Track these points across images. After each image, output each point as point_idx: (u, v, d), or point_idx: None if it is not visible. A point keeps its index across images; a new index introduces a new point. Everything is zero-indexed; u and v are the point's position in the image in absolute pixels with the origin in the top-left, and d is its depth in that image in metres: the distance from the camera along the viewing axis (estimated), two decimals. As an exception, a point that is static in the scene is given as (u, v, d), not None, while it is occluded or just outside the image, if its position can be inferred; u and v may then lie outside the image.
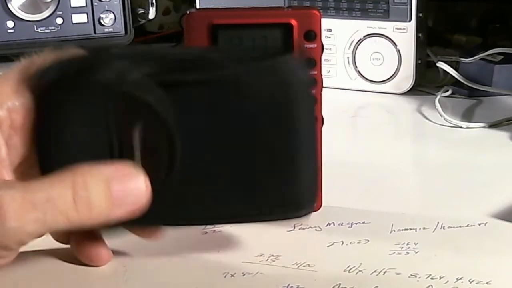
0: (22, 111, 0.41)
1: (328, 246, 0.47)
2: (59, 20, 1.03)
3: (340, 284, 0.42)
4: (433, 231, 0.48)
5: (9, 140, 0.41)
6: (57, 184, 0.38)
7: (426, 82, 0.87)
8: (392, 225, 0.49)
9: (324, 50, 0.58)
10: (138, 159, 0.41)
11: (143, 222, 0.41)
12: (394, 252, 0.45)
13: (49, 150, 0.41)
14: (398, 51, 0.84)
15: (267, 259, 0.45)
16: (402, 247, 0.46)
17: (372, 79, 0.86)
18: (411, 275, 0.42)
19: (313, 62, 0.57)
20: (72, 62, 0.41)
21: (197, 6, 0.94)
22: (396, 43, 0.83)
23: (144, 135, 0.41)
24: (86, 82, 0.40)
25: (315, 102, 0.45)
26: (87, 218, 0.39)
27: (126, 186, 0.40)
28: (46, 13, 1.01)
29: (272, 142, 0.42)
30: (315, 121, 0.44)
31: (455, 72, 0.83)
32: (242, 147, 0.42)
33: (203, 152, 0.41)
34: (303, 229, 0.49)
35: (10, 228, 0.37)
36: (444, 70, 0.85)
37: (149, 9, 1.07)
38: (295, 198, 0.43)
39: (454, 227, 0.49)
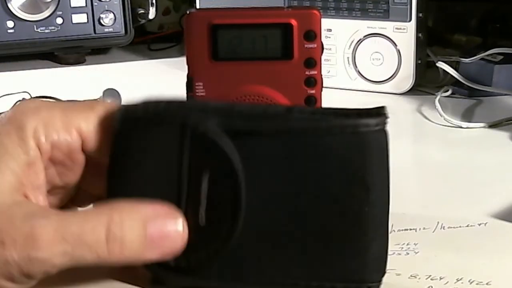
0: (65, 148, 0.41)
1: (328, 246, 0.46)
2: (59, 20, 1.02)
3: (340, 284, 0.42)
4: (433, 231, 0.48)
5: (46, 170, 0.41)
6: (92, 219, 0.38)
7: (426, 82, 0.87)
8: (392, 225, 0.48)
9: (324, 50, 0.58)
10: (203, 207, 0.40)
11: (201, 280, 0.41)
12: (394, 253, 0.45)
13: (118, 183, 0.41)
14: (398, 51, 0.84)
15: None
16: (402, 247, 0.46)
17: (372, 79, 0.86)
18: (411, 275, 0.42)
19: (313, 62, 0.57)
20: (157, 104, 0.40)
21: (197, 6, 0.94)
22: (396, 43, 0.83)
23: (212, 183, 0.40)
24: (166, 119, 0.40)
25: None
26: (117, 257, 0.38)
27: (162, 228, 0.39)
28: (46, 13, 1.01)
29: (342, 210, 0.39)
30: (389, 191, 0.41)
31: (455, 72, 0.83)
32: (309, 210, 0.40)
33: (268, 210, 0.40)
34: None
35: (37, 258, 0.37)
36: (444, 70, 0.85)
37: (149, 9, 1.07)
38: (362, 274, 0.40)
39: (454, 227, 0.49)
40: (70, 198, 0.44)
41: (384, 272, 0.41)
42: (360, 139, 0.39)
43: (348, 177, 0.39)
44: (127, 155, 0.41)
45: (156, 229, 0.39)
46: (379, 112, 0.40)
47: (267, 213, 0.40)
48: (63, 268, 0.38)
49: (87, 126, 0.41)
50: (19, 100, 0.73)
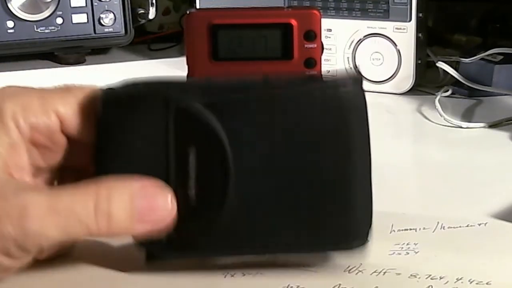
0: (44, 130, 0.41)
1: (328, 246, 0.46)
2: (59, 20, 1.02)
3: (340, 284, 0.42)
4: (433, 231, 0.48)
5: (29, 152, 0.41)
6: (81, 194, 0.39)
7: (426, 82, 0.87)
8: (392, 225, 0.49)
9: (324, 50, 0.59)
10: (192, 181, 0.40)
11: (195, 252, 0.41)
12: (394, 252, 0.45)
13: (106, 162, 0.41)
14: (398, 51, 0.84)
15: (267, 259, 0.44)
16: (402, 247, 0.46)
17: (372, 79, 0.86)
18: (411, 275, 0.42)
19: (313, 62, 0.58)
20: (136, 84, 0.41)
21: (197, 6, 0.94)
22: (396, 43, 0.83)
23: (200, 156, 0.40)
24: (148, 97, 0.41)
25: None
26: (106, 230, 0.39)
27: (150, 202, 0.40)
28: (46, 13, 1.01)
29: (327, 169, 0.41)
30: (370, 149, 0.42)
31: (455, 72, 0.83)
32: (295, 174, 0.41)
33: (257, 177, 0.41)
34: (303, 229, 0.49)
35: (31, 229, 0.38)
36: (444, 70, 0.85)
37: (149, 9, 1.07)
38: (349, 229, 0.42)
39: (454, 227, 0.49)
40: (55, 178, 0.44)
41: (370, 226, 0.42)
42: (339, 100, 0.41)
43: (329, 139, 0.41)
44: (113, 135, 0.41)
45: (144, 203, 0.39)
46: (356, 77, 0.42)
47: (255, 182, 0.41)
48: (56, 242, 0.39)
49: (65, 108, 0.42)
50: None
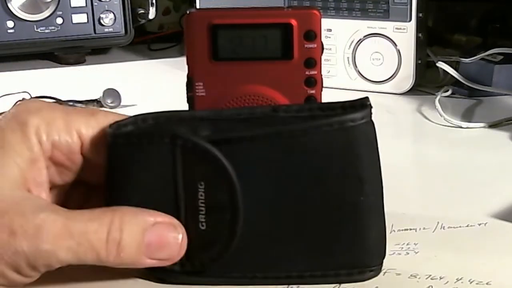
0: (64, 149, 0.41)
1: (328, 246, 0.46)
2: (59, 20, 1.03)
3: (340, 284, 0.42)
4: (433, 231, 0.48)
5: (48, 169, 0.42)
6: (96, 220, 0.39)
7: (426, 82, 0.87)
8: (392, 225, 0.49)
9: (324, 50, 0.58)
10: (203, 214, 0.41)
11: (207, 280, 0.42)
12: (394, 252, 0.45)
13: (116, 198, 0.41)
14: (398, 51, 0.84)
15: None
16: (402, 247, 0.46)
17: (372, 79, 0.86)
18: (411, 275, 0.42)
19: (313, 62, 0.57)
20: (145, 118, 0.42)
21: (197, 6, 0.94)
22: (396, 43, 0.83)
23: (208, 189, 0.40)
24: (156, 132, 0.41)
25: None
26: (114, 259, 0.39)
27: (161, 240, 0.40)
28: (46, 13, 1.01)
29: (338, 202, 0.41)
30: (381, 179, 0.42)
31: (455, 72, 0.83)
32: (305, 207, 0.41)
33: (266, 209, 0.41)
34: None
35: (44, 250, 0.38)
36: (444, 70, 0.85)
37: (149, 9, 1.07)
38: (363, 259, 0.41)
39: (454, 227, 0.49)
40: (64, 193, 0.44)
41: (384, 256, 0.42)
42: (348, 134, 0.40)
43: (340, 172, 0.41)
44: (122, 169, 0.42)
45: (155, 236, 0.40)
46: (363, 104, 0.41)
47: (265, 212, 0.41)
48: (65, 265, 0.39)
49: (87, 130, 0.42)
50: (19, 100, 0.73)
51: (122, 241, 0.39)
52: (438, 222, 0.49)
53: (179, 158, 0.41)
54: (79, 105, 0.77)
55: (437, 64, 0.85)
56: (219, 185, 0.40)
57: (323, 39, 0.58)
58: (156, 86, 0.94)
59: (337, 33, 0.86)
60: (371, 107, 0.41)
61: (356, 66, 0.86)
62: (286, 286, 0.41)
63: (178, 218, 0.41)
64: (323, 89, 0.59)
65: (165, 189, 0.41)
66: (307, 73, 0.58)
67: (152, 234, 0.40)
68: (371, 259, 0.42)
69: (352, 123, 0.40)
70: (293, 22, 0.57)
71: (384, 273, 0.43)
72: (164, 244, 0.40)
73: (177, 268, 0.41)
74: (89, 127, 0.42)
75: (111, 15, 1.05)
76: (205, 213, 0.41)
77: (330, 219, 0.41)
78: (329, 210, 0.41)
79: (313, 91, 0.58)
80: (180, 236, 0.40)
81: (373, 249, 0.42)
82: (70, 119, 0.42)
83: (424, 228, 0.48)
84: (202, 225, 0.41)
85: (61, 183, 0.43)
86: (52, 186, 0.43)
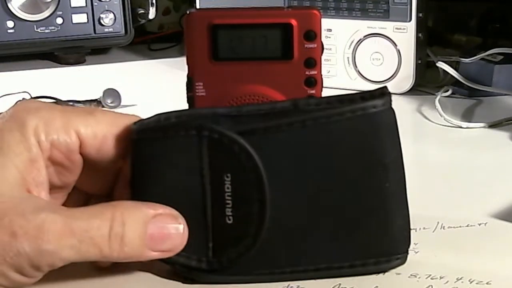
0: (63, 149, 0.41)
1: (328, 246, 0.46)
2: (59, 20, 1.03)
3: (340, 284, 0.42)
4: (433, 231, 0.48)
5: (47, 169, 0.42)
6: (97, 216, 0.39)
7: (426, 82, 0.87)
8: (392, 225, 0.49)
9: (324, 50, 0.58)
10: (229, 207, 0.41)
11: (235, 277, 0.41)
12: (394, 252, 0.45)
13: (141, 193, 0.41)
14: (398, 51, 0.84)
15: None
16: (402, 247, 0.46)
17: (372, 79, 0.86)
18: (411, 275, 0.42)
19: (313, 62, 0.57)
20: (169, 115, 0.41)
21: (197, 6, 0.94)
22: (396, 43, 0.83)
23: (235, 182, 0.41)
24: (181, 125, 0.41)
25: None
26: (118, 254, 0.39)
27: (163, 231, 0.40)
28: (46, 13, 1.01)
29: (363, 189, 0.41)
30: (403, 165, 0.42)
31: (455, 72, 0.83)
32: (332, 196, 0.41)
33: (293, 200, 0.41)
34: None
35: (46, 250, 0.38)
36: (444, 70, 0.85)
37: (149, 9, 1.07)
38: (389, 248, 0.42)
39: (454, 227, 0.49)
40: (64, 198, 0.44)
41: (409, 244, 0.43)
42: (371, 120, 0.41)
43: (365, 159, 0.41)
44: (147, 164, 0.41)
45: (156, 228, 0.40)
46: (383, 92, 0.42)
47: (292, 204, 0.41)
48: (68, 263, 0.39)
49: (86, 129, 0.42)
50: (19, 100, 0.73)
51: (125, 235, 0.39)
52: (438, 222, 0.49)
53: (205, 149, 0.40)
54: (79, 105, 0.77)
55: (437, 64, 0.85)
56: (246, 177, 0.40)
57: (323, 39, 0.58)
58: (156, 86, 0.94)
59: (337, 33, 0.86)
60: (391, 94, 0.42)
61: (356, 66, 0.86)
62: (286, 286, 0.41)
63: (204, 212, 0.41)
64: (323, 89, 0.59)
65: (192, 183, 0.41)
66: (307, 73, 0.58)
67: (153, 226, 0.40)
68: (397, 246, 0.42)
69: (374, 109, 0.41)
70: (293, 22, 0.57)
71: (384, 273, 0.43)
72: (166, 235, 0.40)
73: (204, 266, 0.41)
74: (87, 126, 0.42)
75: (111, 15, 1.05)
76: (232, 207, 0.41)
77: (357, 208, 0.41)
78: (355, 198, 0.41)
79: (313, 91, 0.58)
80: (181, 226, 0.41)
81: (399, 236, 0.42)
82: (69, 119, 0.42)
83: (424, 228, 0.48)
84: (229, 219, 0.41)
85: (59, 184, 0.43)
86: (52, 188, 0.43)
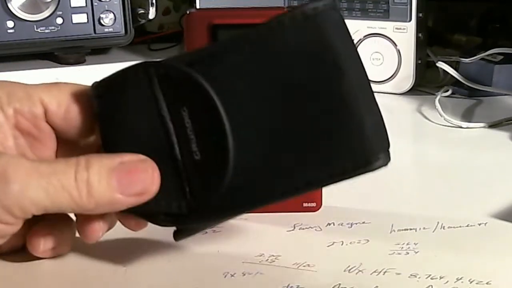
0: (28, 115, 0.42)
1: (328, 246, 0.46)
2: (59, 20, 1.02)
3: (340, 284, 0.42)
4: (433, 231, 0.48)
5: (15, 139, 0.42)
6: (62, 162, 0.40)
7: (426, 82, 0.87)
8: (392, 225, 0.49)
9: (324, 50, 0.58)
10: (194, 143, 0.40)
11: (216, 214, 0.41)
12: (394, 252, 0.45)
13: (111, 146, 0.42)
14: (398, 51, 0.84)
15: (267, 259, 0.45)
16: (402, 247, 0.46)
17: (372, 79, 0.85)
18: (411, 275, 0.42)
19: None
20: (125, 69, 0.42)
21: (197, 6, 0.94)
22: (396, 43, 0.83)
23: (194, 115, 0.40)
24: (130, 71, 0.41)
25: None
26: (87, 199, 0.39)
27: (130, 176, 0.40)
28: (46, 13, 1.01)
29: (322, 93, 0.39)
30: (361, 60, 0.41)
31: (455, 72, 0.83)
32: (294, 108, 0.40)
33: (255, 123, 0.40)
34: (303, 229, 0.49)
35: (14, 190, 0.38)
36: (444, 70, 0.85)
37: (149, 9, 1.07)
38: (363, 149, 0.39)
39: (454, 227, 0.49)
40: None
41: (388, 145, 0.41)
42: (313, 22, 0.40)
43: (317, 63, 0.40)
44: (111, 117, 0.42)
45: (123, 172, 0.40)
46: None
47: (254, 127, 0.40)
48: (41, 209, 0.39)
49: (49, 98, 0.43)
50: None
51: (90, 179, 0.39)
52: (438, 222, 0.49)
53: (157, 88, 0.40)
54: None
55: (437, 64, 0.85)
56: (200, 107, 0.40)
57: (323, 39, 0.58)
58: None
59: (337, 33, 0.86)
60: (335, 3, 0.41)
61: (356, 66, 0.86)
62: (286, 286, 0.42)
63: (173, 153, 0.40)
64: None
65: (154, 126, 0.41)
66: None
67: (120, 171, 0.40)
68: (373, 147, 0.40)
69: (314, 11, 0.40)
70: (293, 22, 0.57)
71: (384, 273, 0.43)
72: (135, 177, 0.40)
73: (184, 208, 0.41)
74: (51, 96, 0.42)
75: (111, 15, 1.05)
76: (196, 141, 0.40)
77: (320, 116, 0.39)
78: (317, 109, 0.39)
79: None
80: (150, 168, 0.40)
81: (373, 136, 0.40)
82: (31, 89, 0.43)
83: (424, 228, 0.48)
84: (196, 155, 0.40)
85: (33, 156, 0.43)
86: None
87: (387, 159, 0.40)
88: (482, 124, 0.72)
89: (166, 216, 0.41)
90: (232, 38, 0.40)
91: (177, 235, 0.42)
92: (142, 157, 0.41)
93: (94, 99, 0.42)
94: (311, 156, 0.40)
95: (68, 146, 0.44)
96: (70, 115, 0.43)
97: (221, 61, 0.40)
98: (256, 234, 0.48)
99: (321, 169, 0.40)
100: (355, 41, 0.85)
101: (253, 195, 0.41)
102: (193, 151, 0.40)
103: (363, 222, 0.49)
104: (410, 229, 0.48)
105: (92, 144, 0.44)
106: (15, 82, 0.43)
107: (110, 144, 0.42)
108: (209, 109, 0.40)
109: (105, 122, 0.42)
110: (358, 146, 0.39)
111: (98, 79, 0.43)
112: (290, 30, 0.40)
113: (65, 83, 0.44)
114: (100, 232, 0.43)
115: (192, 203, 0.41)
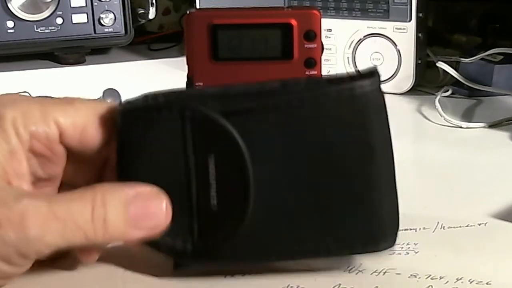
0: (43, 139, 0.41)
1: (328, 246, 0.46)
2: (59, 20, 1.03)
3: (340, 284, 0.42)
4: (433, 231, 0.48)
5: (28, 160, 0.42)
6: (77, 200, 0.39)
7: (426, 82, 0.87)
8: (392, 225, 0.49)
9: (324, 50, 0.59)
10: (213, 189, 0.41)
11: (221, 260, 0.41)
12: (394, 252, 0.45)
13: (127, 175, 0.41)
14: (398, 51, 0.84)
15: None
16: (402, 247, 0.46)
17: (372, 79, 0.86)
18: (411, 275, 0.42)
19: (313, 62, 0.57)
20: (155, 95, 0.42)
21: (197, 6, 0.94)
22: (396, 43, 0.83)
23: (219, 164, 0.40)
24: (165, 106, 0.41)
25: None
26: (102, 236, 0.39)
27: (144, 209, 0.40)
28: (46, 13, 1.01)
29: (349, 172, 0.40)
30: (392, 148, 0.42)
31: (455, 72, 0.83)
32: (319, 178, 0.41)
33: (278, 182, 0.40)
34: (303, 229, 0.49)
35: (32, 235, 0.38)
36: (444, 70, 0.85)
37: (149, 9, 1.07)
38: (376, 231, 0.41)
39: (454, 227, 0.49)
40: (54, 192, 0.44)
41: (398, 228, 0.42)
42: (357, 101, 0.40)
43: (351, 140, 0.40)
44: (132, 145, 0.41)
45: (138, 209, 0.40)
46: (372, 72, 0.41)
47: (277, 187, 0.41)
48: (55, 248, 0.39)
49: (65, 119, 0.42)
50: None
51: (107, 216, 0.39)
52: (438, 222, 0.49)
53: (189, 130, 0.40)
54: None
55: (437, 64, 0.85)
56: (229, 158, 0.40)
57: (323, 39, 0.58)
58: (156, 86, 0.94)
59: (337, 33, 0.86)
60: (380, 75, 0.41)
61: (356, 66, 0.86)
62: (286, 286, 0.42)
63: (189, 194, 0.41)
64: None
65: (176, 164, 0.41)
66: (307, 73, 0.58)
67: (135, 204, 0.40)
68: (385, 229, 0.42)
69: (360, 89, 0.40)
70: (293, 22, 0.57)
71: (384, 273, 0.43)
72: (149, 213, 0.40)
73: (189, 249, 0.41)
74: (66, 117, 0.42)
75: (111, 15, 1.05)
76: (216, 188, 0.40)
77: (343, 190, 0.41)
78: (341, 180, 0.40)
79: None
80: (164, 203, 0.40)
81: (386, 219, 0.42)
82: (46, 109, 0.42)
83: (424, 228, 0.48)
84: (213, 199, 0.41)
85: (45, 176, 0.43)
86: (38, 180, 0.43)
87: (393, 242, 0.42)
88: (482, 124, 0.72)
89: (168, 250, 0.41)
90: (276, 96, 0.40)
91: (177, 267, 0.43)
92: (156, 189, 0.41)
93: (120, 124, 0.41)
94: (326, 227, 0.41)
95: (76, 159, 0.43)
96: (85, 137, 0.42)
97: (260, 119, 0.40)
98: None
99: (333, 242, 0.41)
100: (355, 41, 0.85)
101: (261, 252, 0.41)
102: (211, 195, 0.41)
103: (363, 222, 0.49)
104: (410, 229, 0.48)
105: (101, 157, 0.44)
106: (30, 99, 0.43)
107: (126, 170, 0.41)
108: (237, 162, 0.40)
109: (125, 148, 0.41)
110: (372, 227, 0.41)
111: (126, 99, 0.42)
112: (333, 102, 0.40)
113: (81, 100, 0.43)
114: (97, 256, 0.43)
115: (198, 245, 0.41)
